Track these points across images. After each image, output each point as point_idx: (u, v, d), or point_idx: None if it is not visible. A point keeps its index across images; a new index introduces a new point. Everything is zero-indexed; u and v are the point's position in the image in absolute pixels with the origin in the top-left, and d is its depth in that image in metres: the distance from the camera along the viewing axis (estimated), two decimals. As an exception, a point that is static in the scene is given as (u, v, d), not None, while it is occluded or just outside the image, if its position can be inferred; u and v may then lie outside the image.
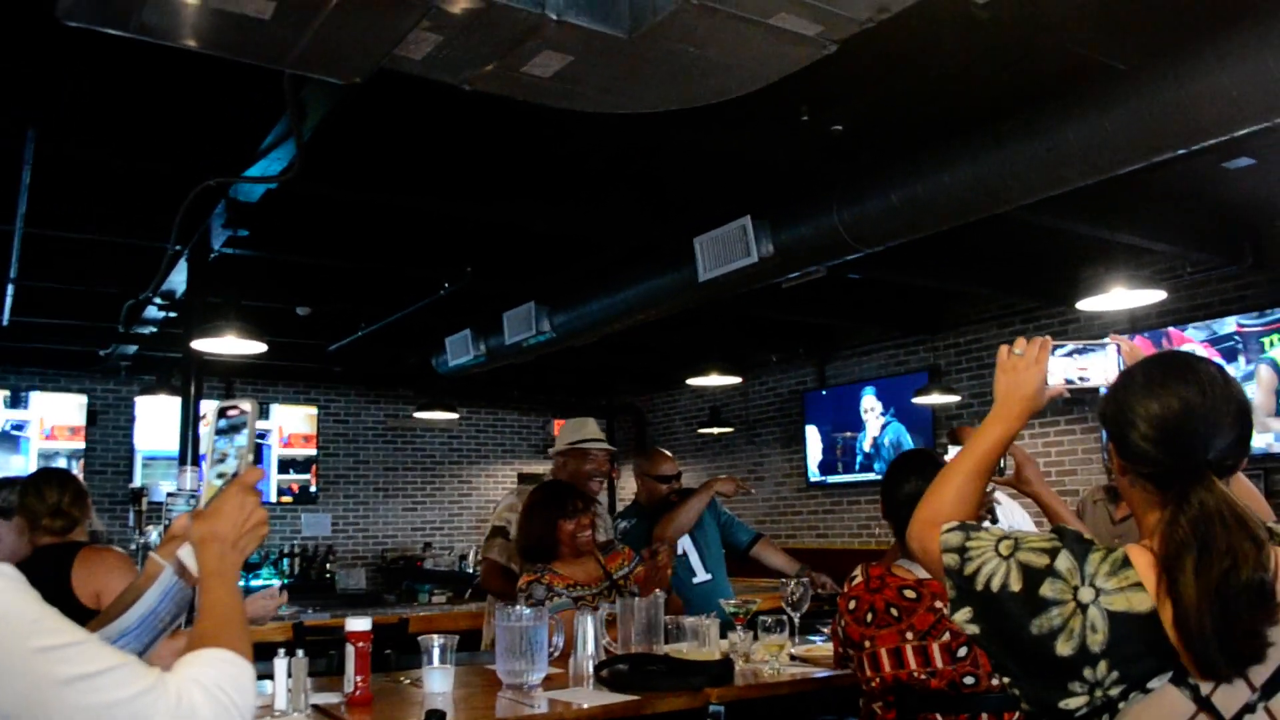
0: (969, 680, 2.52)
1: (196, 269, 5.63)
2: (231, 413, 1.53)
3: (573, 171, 4.91)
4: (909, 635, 2.56)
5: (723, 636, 3.30)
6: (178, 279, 5.83)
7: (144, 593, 1.51)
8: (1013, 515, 4.42)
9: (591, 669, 2.97)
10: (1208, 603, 1.41)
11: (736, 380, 8.22)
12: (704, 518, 4.67)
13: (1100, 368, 1.80)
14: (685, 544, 4.56)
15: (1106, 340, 1.82)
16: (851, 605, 2.67)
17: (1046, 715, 1.51)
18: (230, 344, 5.40)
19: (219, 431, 1.53)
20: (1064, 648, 1.46)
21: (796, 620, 3.42)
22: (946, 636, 2.54)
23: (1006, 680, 1.55)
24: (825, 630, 3.89)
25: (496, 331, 6.97)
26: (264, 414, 10.30)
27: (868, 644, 2.60)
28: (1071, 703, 1.47)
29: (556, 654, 3.01)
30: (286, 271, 6.33)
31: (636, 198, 5.28)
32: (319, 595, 8.34)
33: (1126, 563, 1.50)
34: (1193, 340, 6.66)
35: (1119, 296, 5.09)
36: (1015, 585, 1.51)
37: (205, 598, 1.37)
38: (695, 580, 4.51)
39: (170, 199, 4.70)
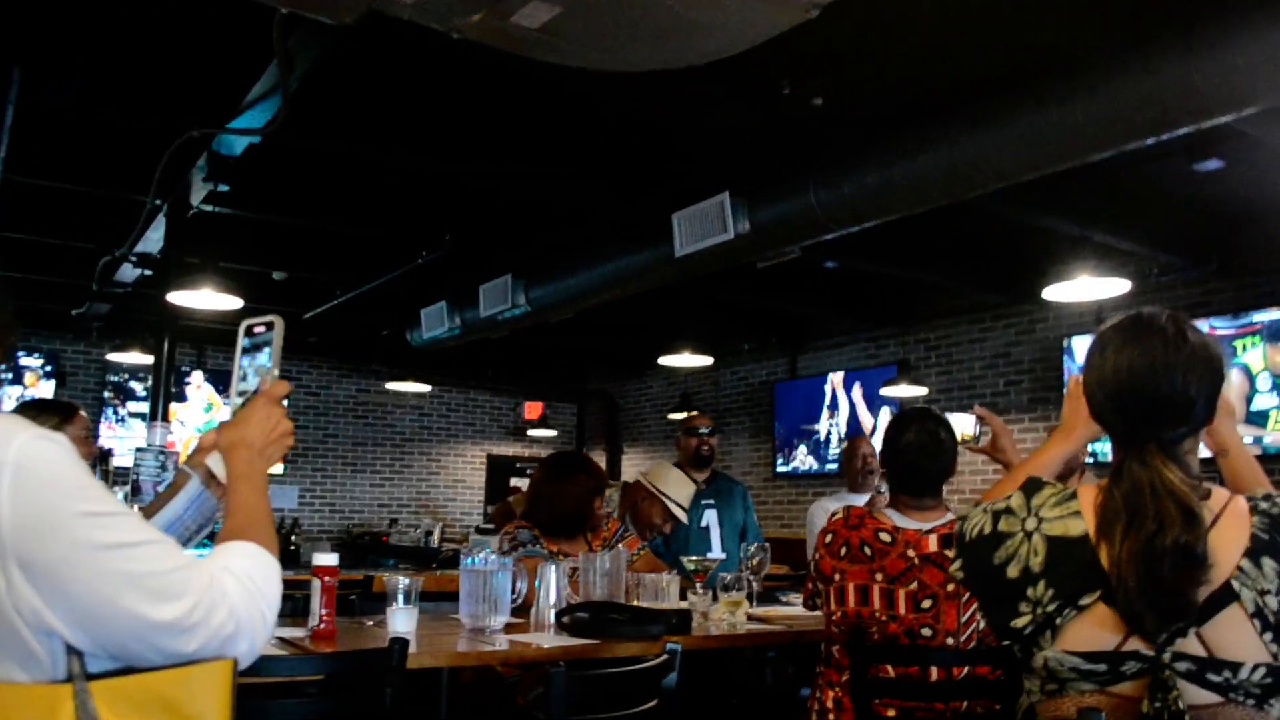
0: (926, 632, 2.59)
1: (175, 226, 5.63)
2: (257, 330, 1.57)
3: (554, 141, 4.95)
4: (878, 577, 2.63)
5: (682, 598, 3.35)
6: (154, 238, 5.82)
7: (169, 501, 1.55)
8: None
9: (552, 618, 3.02)
10: (1134, 564, 1.54)
11: (708, 361, 8.29)
12: (734, 503, 4.83)
13: None
14: (711, 519, 4.67)
15: None
16: (828, 539, 2.75)
17: (1005, 637, 1.67)
18: (206, 298, 5.41)
19: (244, 351, 1.57)
20: (1013, 571, 1.63)
21: (755, 584, 3.48)
22: (914, 585, 2.61)
23: (983, 617, 1.70)
24: (784, 599, 3.96)
25: (472, 304, 7.00)
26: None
27: (837, 577, 2.67)
28: (1019, 621, 1.62)
29: (519, 600, 3.05)
30: (265, 233, 6.32)
31: (617, 169, 5.33)
32: (283, 567, 8.33)
33: (1072, 496, 1.66)
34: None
35: (1085, 286, 5.16)
36: (986, 529, 1.71)
37: (233, 499, 1.42)
38: (710, 555, 4.60)
39: (152, 151, 4.72)
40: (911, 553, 2.65)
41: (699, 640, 2.93)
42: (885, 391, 8.06)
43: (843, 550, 2.70)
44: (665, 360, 8.08)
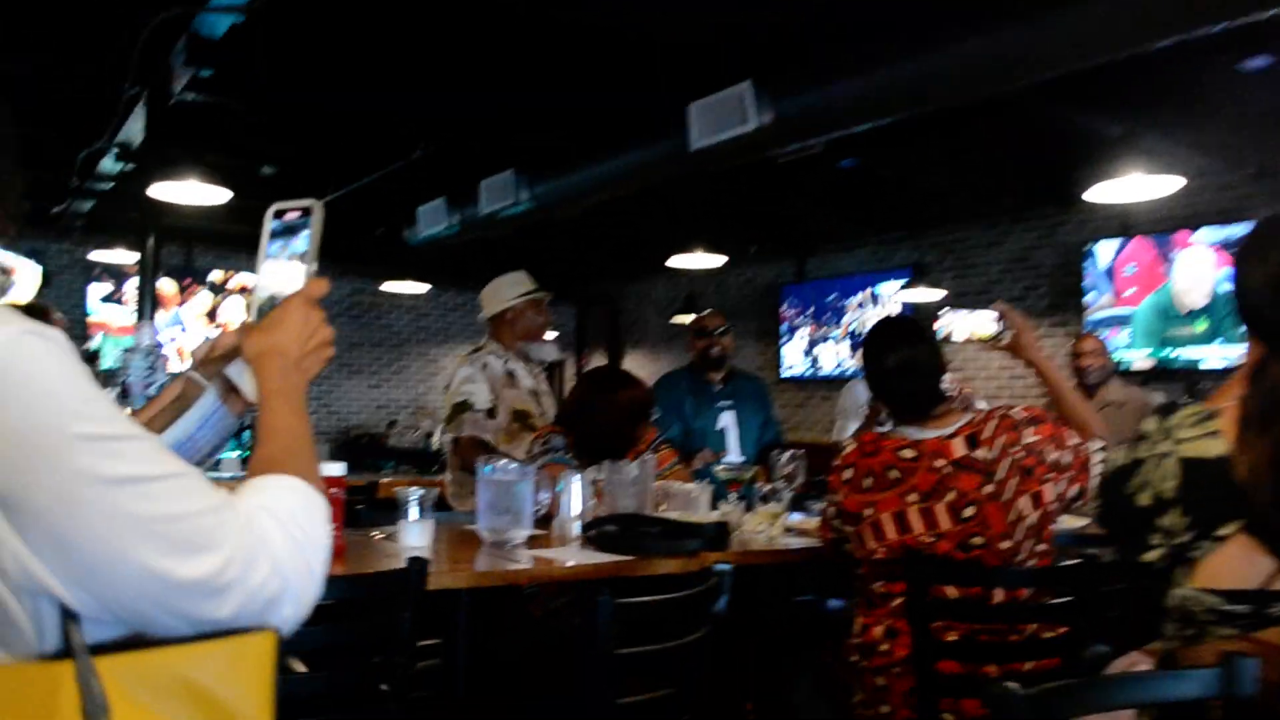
0: (976, 540, 2.38)
1: (155, 115, 5.27)
2: (290, 215, 1.29)
3: (564, 38, 4.61)
4: (911, 497, 2.41)
5: (713, 508, 3.15)
6: (136, 128, 5.47)
7: (179, 417, 1.28)
8: None
9: (578, 530, 2.82)
10: (1272, 470, 1.37)
11: (720, 261, 8.00)
12: (752, 406, 4.55)
13: None
14: (727, 420, 4.45)
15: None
16: (847, 475, 2.51)
17: (1135, 573, 1.51)
18: (192, 191, 5.09)
19: (272, 237, 1.29)
20: (1144, 498, 1.47)
21: (788, 494, 3.27)
22: (952, 495, 2.39)
23: (1116, 553, 1.53)
24: (814, 507, 3.77)
25: (472, 201, 6.67)
26: (219, 288, 9.99)
27: (868, 511, 2.44)
28: (1150, 555, 1.46)
29: (542, 511, 2.85)
30: (252, 123, 5.96)
31: (628, 63, 4.99)
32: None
33: (1212, 415, 1.48)
34: (1202, 244, 6.53)
35: (1121, 186, 4.87)
36: (1121, 459, 1.55)
37: (267, 419, 1.12)
38: (727, 459, 4.37)
39: (130, 32, 4.37)
40: (940, 462, 2.42)
41: (737, 555, 2.72)
42: (902, 296, 7.81)
43: (867, 481, 2.46)
44: (675, 261, 7.77)
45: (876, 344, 2.61)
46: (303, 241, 1.28)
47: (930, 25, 3.99)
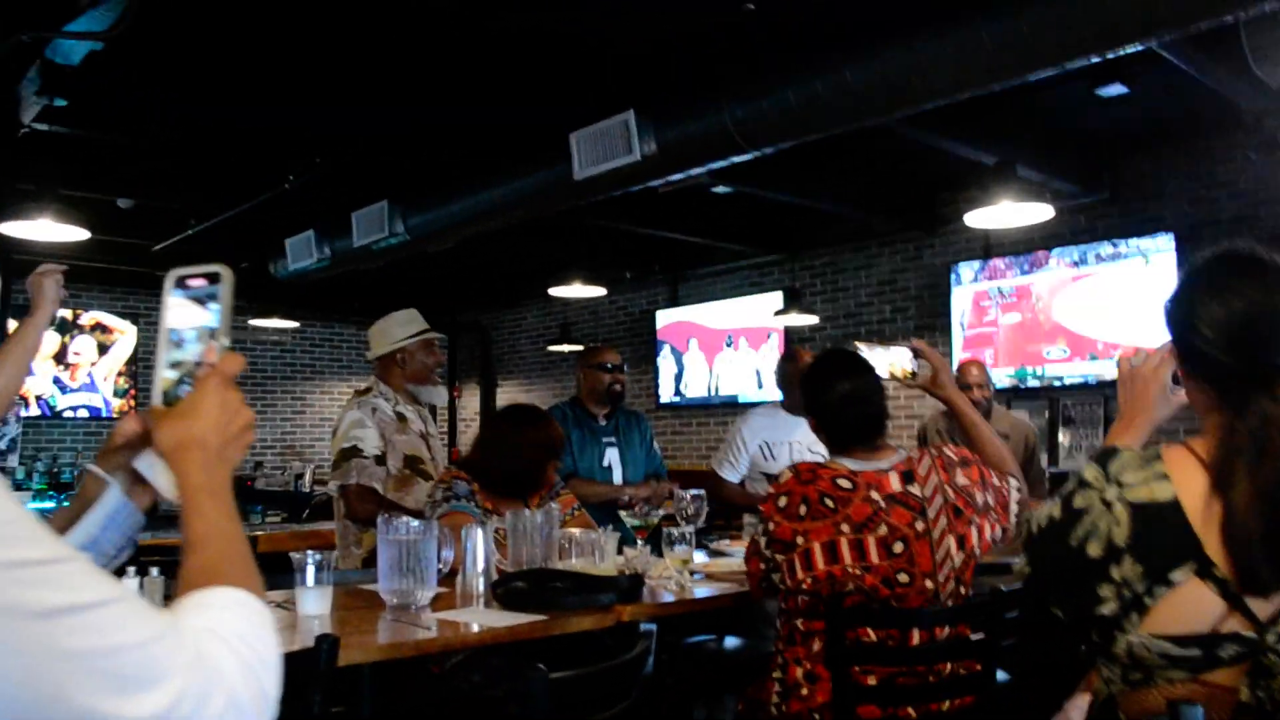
0: (902, 578, 2.37)
1: (4, 146, 4.95)
2: (194, 282, 1.13)
3: (440, 58, 4.49)
4: (844, 528, 2.38)
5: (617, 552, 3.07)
6: (-20, 159, 5.13)
7: (80, 518, 1.13)
8: None
9: (481, 587, 2.70)
10: (1258, 506, 1.35)
11: (601, 292, 7.95)
12: (633, 435, 4.49)
13: None
14: (613, 457, 4.34)
15: None
16: (782, 502, 2.47)
17: (1087, 628, 1.46)
18: (45, 229, 4.77)
19: (175, 306, 1.13)
20: (1094, 549, 1.42)
21: (691, 534, 3.21)
22: (883, 530, 2.38)
23: (1054, 609, 1.51)
24: (714, 545, 3.73)
25: (344, 233, 6.47)
26: (69, 326, 9.45)
27: (800, 540, 2.40)
28: (1104, 609, 1.42)
29: (445, 570, 2.72)
30: (108, 156, 5.66)
31: (508, 89, 4.90)
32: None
33: (1157, 456, 1.45)
34: (1060, 263, 6.78)
35: (1007, 211, 5.03)
36: (1056, 513, 1.50)
37: (195, 522, 1.00)
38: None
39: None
40: (876, 495, 2.42)
41: (652, 609, 2.65)
42: (776, 320, 7.89)
43: (802, 509, 2.43)
44: (556, 291, 7.67)
45: (822, 375, 2.62)
46: (213, 314, 1.15)
47: (811, 55, 4.04)
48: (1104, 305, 6.56)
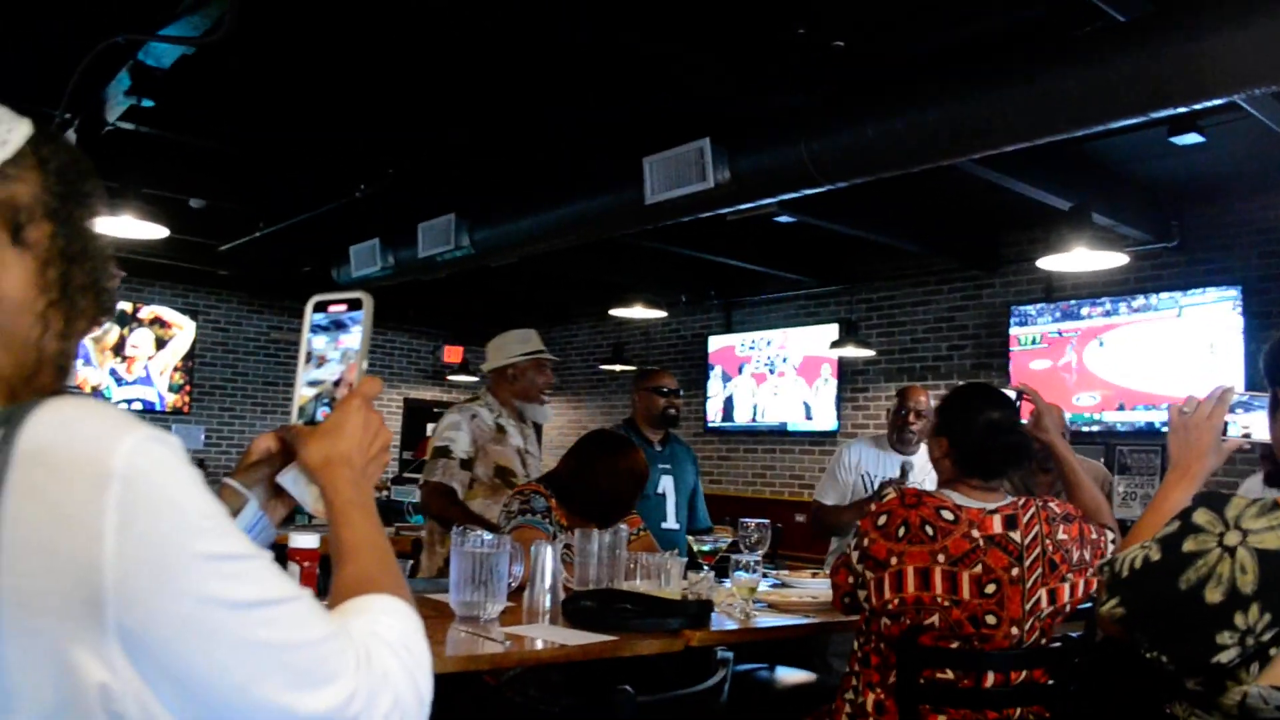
0: (990, 620, 2.36)
1: (86, 143, 5.06)
2: (335, 307, 1.20)
3: (518, 78, 4.55)
4: (940, 558, 2.37)
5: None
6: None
7: None
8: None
9: (549, 604, 2.72)
10: None
11: (661, 314, 7.99)
12: (686, 464, 4.51)
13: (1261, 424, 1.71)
14: (667, 485, 4.36)
15: (1264, 396, 1.68)
16: (881, 520, 2.46)
17: (1198, 675, 1.44)
18: (126, 226, 4.87)
19: (316, 329, 1.20)
20: (1213, 594, 1.40)
21: (757, 562, 3.21)
22: (979, 569, 2.37)
23: (1155, 653, 1.47)
24: (777, 575, 3.72)
25: (409, 243, 6.55)
26: (128, 319, 9.59)
27: (894, 560, 2.39)
28: (1223, 656, 1.39)
29: (515, 585, 2.74)
30: (185, 157, 5.77)
31: (580, 112, 4.95)
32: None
33: (1276, 506, 1.44)
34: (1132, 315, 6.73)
35: (1080, 257, 5.00)
36: (1155, 555, 1.48)
37: (347, 534, 1.04)
38: (664, 525, 4.30)
39: (65, 58, 4.18)
40: (976, 533, 2.41)
41: (717, 635, 2.65)
42: (830, 352, 7.87)
43: (901, 531, 2.43)
44: (616, 311, 7.71)
45: (967, 402, 2.60)
46: (354, 337, 1.20)
47: (894, 93, 4.05)
48: (1149, 355, 6.52)
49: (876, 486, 4.30)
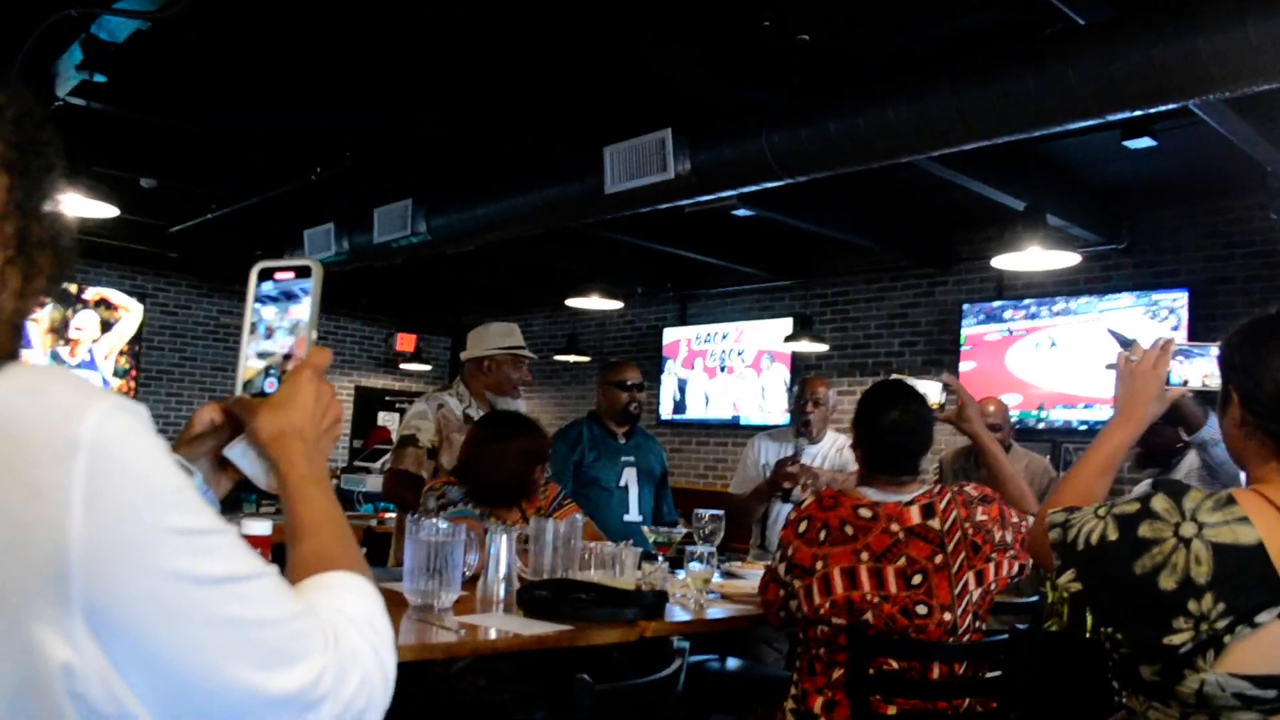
0: (921, 609, 2.39)
1: (34, 118, 4.94)
2: (282, 275, 1.15)
3: (479, 65, 4.51)
4: (864, 556, 2.41)
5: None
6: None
7: None
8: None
9: (503, 593, 2.71)
10: None
11: (617, 306, 7.98)
12: (650, 457, 4.48)
13: (1201, 372, 1.79)
14: (630, 478, 4.33)
15: (1209, 346, 1.78)
16: (802, 527, 2.50)
17: (1150, 655, 1.47)
18: (75, 205, 4.77)
19: (262, 298, 1.15)
20: (1168, 582, 1.43)
21: (711, 554, 3.22)
22: (902, 561, 2.41)
23: (1109, 630, 1.50)
24: (726, 566, 3.73)
25: (364, 228, 6.49)
26: (72, 300, 9.39)
27: (819, 565, 2.42)
28: (1176, 639, 1.42)
29: (469, 574, 2.72)
30: (137, 134, 5.66)
31: (540, 99, 4.93)
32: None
33: (1230, 500, 1.47)
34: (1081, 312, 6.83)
35: (1033, 257, 5.06)
36: (1112, 534, 1.50)
37: (302, 508, 1.01)
38: (626, 518, 4.28)
39: (15, 30, 4.09)
40: (895, 527, 2.45)
41: (672, 625, 2.65)
42: (784, 346, 7.91)
43: (822, 534, 2.46)
44: (572, 302, 7.68)
45: (876, 400, 2.64)
46: (304, 308, 1.16)
47: (856, 89, 4.07)
48: (1096, 354, 6.61)
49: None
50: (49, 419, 0.71)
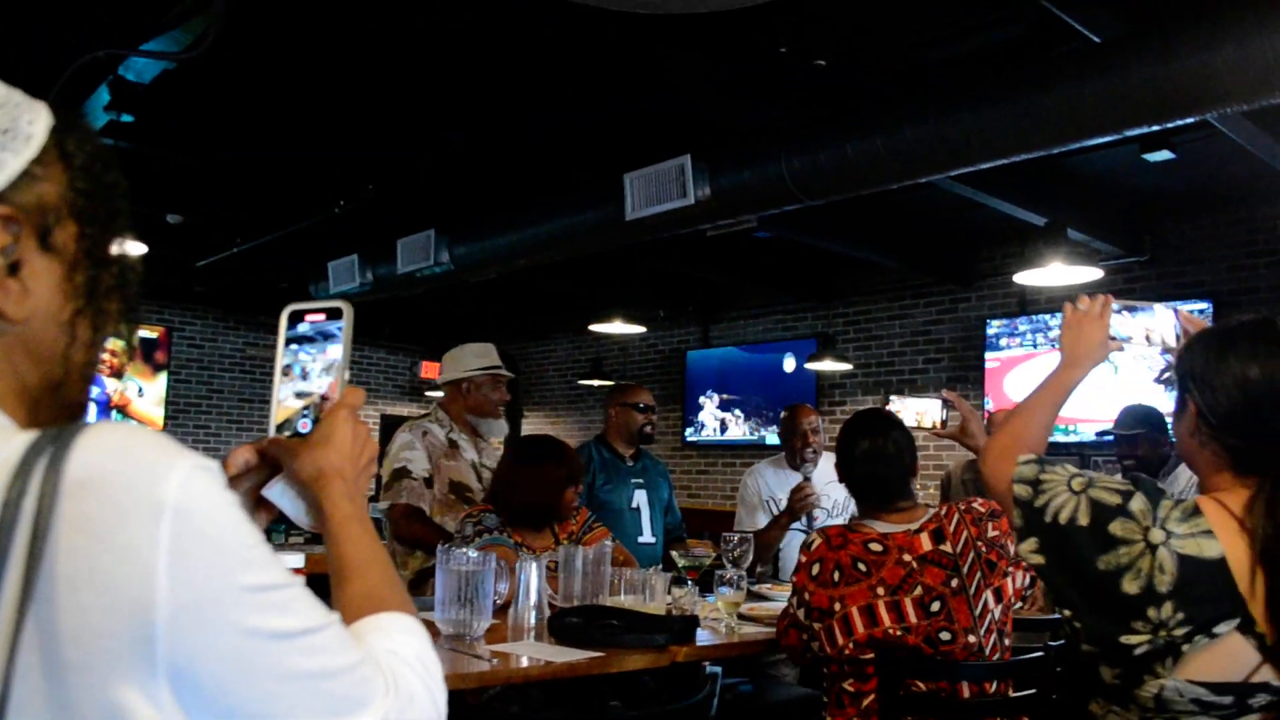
0: (944, 635, 2.39)
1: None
2: (313, 317, 1.17)
3: (497, 89, 4.56)
4: (880, 591, 2.41)
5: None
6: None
7: None
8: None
9: (534, 620, 2.72)
10: None
11: (640, 330, 8.01)
12: (658, 479, 4.47)
13: (1144, 328, 1.86)
14: (641, 500, 4.33)
15: (1152, 305, 1.86)
16: (815, 570, 2.49)
17: (1106, 650, 1.50)
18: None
19: (295, 340, 1.17)
20: (1130, 586, 1.45)
21: (741, 577, 3.21)
22: (918, 591, 2.40)
23: (1067, 613, 1.53)
24: (754, 589, 3.73)
25: (387, 259, 6.55)
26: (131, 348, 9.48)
27: (838, 606, 2.42)
28: (1132, 639, 1.45)
29: (500, 602, 2.74)
30: (163, 171, 5.74)
31: (560, 127, 4.97)
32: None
33: (1197, 511, 1.49)
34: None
35: (1055, 272, 5.06)
36: (1083, 520, 1.51)
37: (349, 549, 1.02)
38: (640, 539, 4.28)
39: (44, 72, 4.16)
40: (907, 556, 2.44)
41: (702, 649, 2.66)
42: (810, 366, 7.91)
43: (835, 575, 2.45)
44: (596, 327, 7.72)
45: (847, 434, 2.65)
46: (336, 348, 1.19)
47: (873, 112, 4.09)
48: (1121, 366, 6.55)
49: (784, 504, 4.16)
50: (137, 481, 0.72)
